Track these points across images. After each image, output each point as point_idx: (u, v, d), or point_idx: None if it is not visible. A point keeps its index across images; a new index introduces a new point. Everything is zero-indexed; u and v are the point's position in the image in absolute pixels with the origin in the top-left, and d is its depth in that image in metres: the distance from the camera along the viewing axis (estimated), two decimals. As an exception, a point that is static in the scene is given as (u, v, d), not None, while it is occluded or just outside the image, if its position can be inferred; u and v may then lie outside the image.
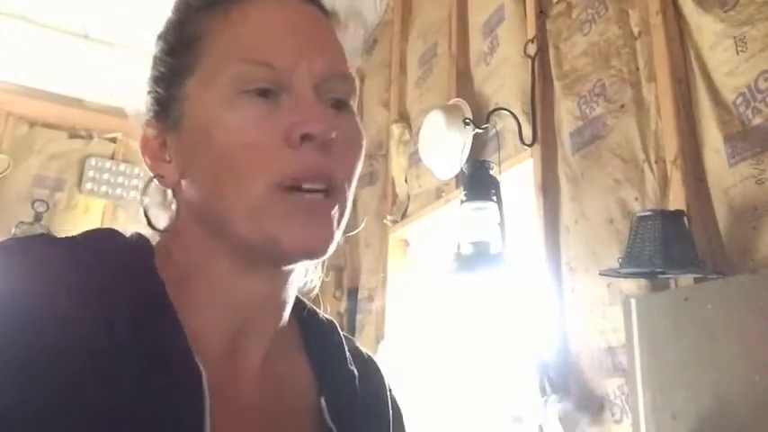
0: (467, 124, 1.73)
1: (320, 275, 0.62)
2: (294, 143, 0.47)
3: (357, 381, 0.58)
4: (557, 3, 1.62)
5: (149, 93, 0.54)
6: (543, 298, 1.45)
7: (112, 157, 3.12)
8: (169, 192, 0.54)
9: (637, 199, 1.26)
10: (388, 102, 2.49)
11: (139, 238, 0.53)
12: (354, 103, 0.54)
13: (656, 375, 1.08)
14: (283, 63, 0.48)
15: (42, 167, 3.00)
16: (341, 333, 0.62)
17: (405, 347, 2.06)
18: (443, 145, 1.80)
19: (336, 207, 0.49)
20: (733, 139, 1.08)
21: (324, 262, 0.56)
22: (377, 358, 0.66)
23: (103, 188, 3.05)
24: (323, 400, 0.53)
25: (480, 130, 1.73)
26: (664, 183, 1.20)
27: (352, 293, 2.45)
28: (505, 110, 1.67)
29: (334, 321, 0.63)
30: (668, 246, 1.02)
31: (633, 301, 1.15)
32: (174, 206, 0.54)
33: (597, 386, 1.28)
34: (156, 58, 0.55)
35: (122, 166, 3.09)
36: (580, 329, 1.35)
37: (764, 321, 0.91)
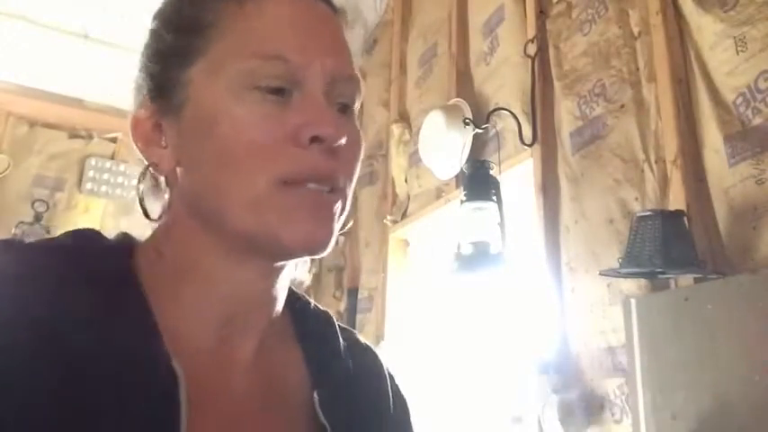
0: (467, 124, 1.73)
1: (310, 269, 0.61)
2: (303, 143, 0.46)
3: (352, 373, 0.57)
4: (557, 3, 1.62)
5: (144, 70, 0.52)
6: (543, 298, 1.45)
7: (112, 157, 3.12)
8: (162, 180, 0.52)
9: (637, 199, 1.26)
10: (388, 102, 2.49)
11: (123, 237, 0.52)
12: (358, 105, 0.54)
13: (656, 375, 1.07)
14: (297, 59, 0.47)
15: (42, 167, 3.00)
16: (336, 324, 0.61)
17: (405, 347, 2.06)
18: (443, 145, 1.80)
19: (339, 203, 0.49)
20: (733, 139, 1.08)
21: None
22: (379, 349, 0.65)
23: (103, 188, 3.05)
24: (315, 395, 0.52)
25: (480, 130, 1.73)
26: (664, 183, 1.20)
27: (352, 293, 2.45)
28: (505, 110, 1.67)
29: (330, 312, 0.62)
30: (668, 246, 1.02)
31: (633, 301, 1.15)
32: (167, 195, 0.52)
33: (597, 386, 1.28)
34: (155, 33, 0.52)
35: (122, 166, 3.09)
36: (580, 329, 1.35)
37: (764, 321, 0.91)
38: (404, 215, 2.23)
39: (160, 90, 0.50)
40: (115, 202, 3.04)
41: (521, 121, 1.62)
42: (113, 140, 3.15)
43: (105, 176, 3.06)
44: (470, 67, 1.99)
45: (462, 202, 1.45)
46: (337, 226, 0.49)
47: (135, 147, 0.52)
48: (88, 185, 3.03)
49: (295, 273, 0.58)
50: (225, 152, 0.46)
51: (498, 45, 1.83)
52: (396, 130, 2.30)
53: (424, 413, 1.84)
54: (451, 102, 1.92)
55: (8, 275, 0.44)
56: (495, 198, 1.44)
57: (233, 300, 0.50)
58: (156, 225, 0.53)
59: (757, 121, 1.04)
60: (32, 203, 2.88)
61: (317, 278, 2.66)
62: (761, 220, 1.01)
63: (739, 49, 1.08)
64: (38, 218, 2.86)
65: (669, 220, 1.06)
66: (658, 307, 1.10)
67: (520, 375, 1.52)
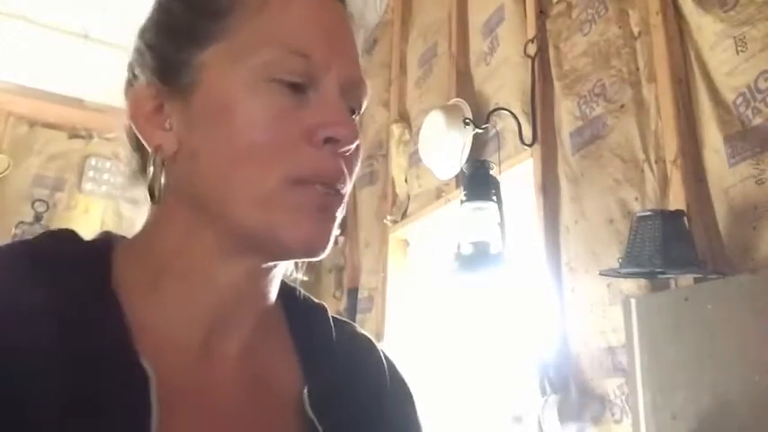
0: (467, 124, 1.73)
1: (297, 267, 0.59)
2: (317, 143, 0.46)
3: (346, 367, 0.55)
4: (557, 3, 1.62)
5: (151, 47, 0.50)
6: (543, 298, 1.45)
7: (112, 158, 3.12)
8: (151, 164, 0.48)
9: (637, 199, 1.26)
10: (388, 102, 2.49)
11: (103, 236, 0.52)
12: (363, 110, 0.53)
13: (656, 375, 1.08)
14: (319, 58, 0.47)
15: (42, 167, 3.01)
16: (331, 317, 0.59)
17: (405, 347, 2.06)
18: (443, 145, 1.80)
19: (341, 206, 0.49)
20: (733, 139, 1.08)
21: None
22: (379, 343, 0.63)
23: (103, 188, 3.05)
24: (305, 390, 0.51)
25: (480, 130, 1.73)
26: (664, 183, 1.20)
27: (352, 293, 2.45)
28: (505, 110, 1.67)
29: (325, 305, 0.60)
30: (668, 246, 1.02)
31: (633, 301, 1.15)
32: (162, 179, 0.48)
33: (597, 386, 1.28)
34: (164, 7, 0.51)
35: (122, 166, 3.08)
36: (580, 329, 1.35)
37: (764, 321, 0.91)
38: (404, 215, 2.23)
39: (167, 70, 0.48)
40: (115, 202, 3.04)
41: (521, 121, 1.62)
42: (113, 140, 3.15)
43: (105, 176, 3.06)
44: (470, 67, 1.99)
45: (462, 202, 1.45)
46: (336, 229, 0.49)
47: (133, 124, 0.49)
48: (88, 185, 3.03)
49: (296, 273, 0.57)
50: (236, 144, 0.45)
51: (498, 45, 1.83)
52: (396, 130, 2.30)
53: (425, 413, 1.84)
54: (451, 102, 1.92)
55: None
56: (495, 198, 1.44)
57: (219, 297, 0.49)
58: (145, 221, 0.52)
59: (757, 121, 1.04)
60: (32, 203, 2.89)
61: (317, 278, 2.66)
62: (761, 220, 1.01)
63: (739, 49, 1.08)
64: (38, 218, 2.87)
65: (669, 220, 1.06)
66: (658, 307, 1.10)
67: (520, 375, 1.52)
